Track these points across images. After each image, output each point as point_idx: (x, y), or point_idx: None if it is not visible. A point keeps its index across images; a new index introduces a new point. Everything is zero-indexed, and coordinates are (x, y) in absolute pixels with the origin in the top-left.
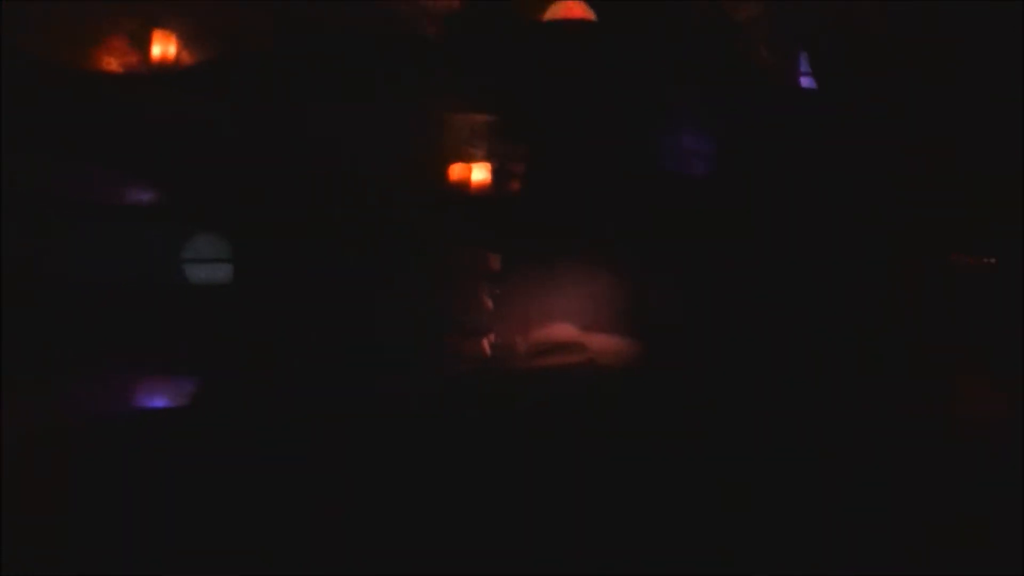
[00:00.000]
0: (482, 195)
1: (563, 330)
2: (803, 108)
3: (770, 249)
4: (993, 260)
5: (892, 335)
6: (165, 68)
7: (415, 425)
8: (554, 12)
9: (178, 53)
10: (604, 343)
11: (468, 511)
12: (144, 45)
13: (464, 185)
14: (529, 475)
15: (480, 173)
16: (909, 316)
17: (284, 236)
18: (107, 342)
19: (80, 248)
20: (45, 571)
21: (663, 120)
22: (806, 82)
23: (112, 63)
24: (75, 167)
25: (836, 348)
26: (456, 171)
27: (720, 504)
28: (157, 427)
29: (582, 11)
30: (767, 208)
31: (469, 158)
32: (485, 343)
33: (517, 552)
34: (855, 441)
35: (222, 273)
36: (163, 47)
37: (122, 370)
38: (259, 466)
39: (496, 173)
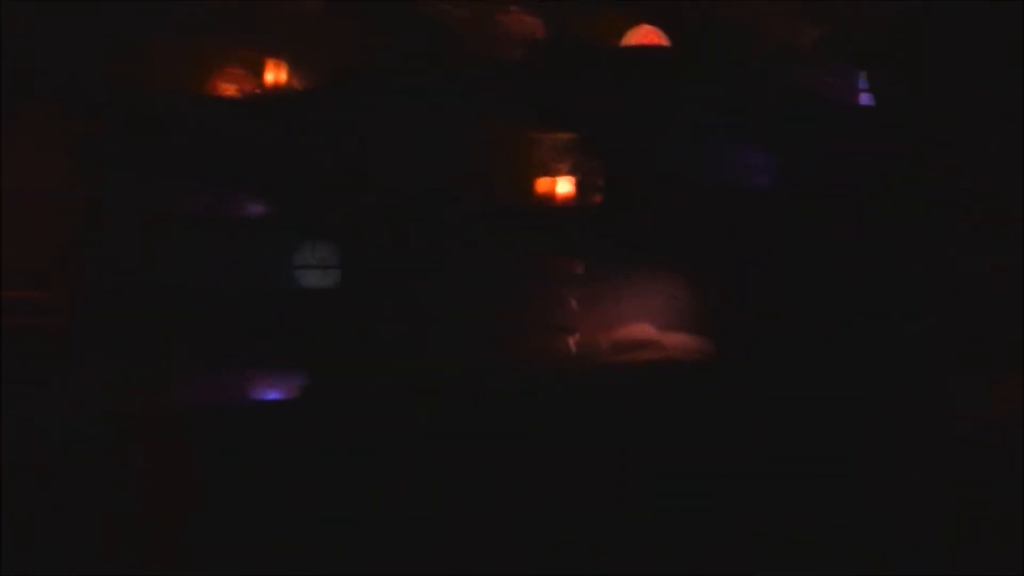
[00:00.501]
0: (567, 206)
1: (642, 329)
2: (861, 125)
3: (830, 257)
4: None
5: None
6: (276, 92)
7: (513, 416)
8: (630, 38)
9: (288, 79)
10: (679, 341)
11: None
12: (259, 72)
13: (550, 197)
14: (611, 465)
15: (564, 186)
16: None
17: (388, 244)
18: (227, 341)
19: (206, 258)
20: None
21: (730, 138)
22: (865, 99)
23: (230, 89)
24: (200, 186)
25: (898, 351)
26: (542, 184)
27: (785, 500)
28: (271, 417)
29: (657, 37)
30: (827, 219)
31: (554, 172)
32: (571, 341)
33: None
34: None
35: (330, 277)
36: (275, 74)
37: (240, 366)
38: (369, 457)
39: (579, 186)
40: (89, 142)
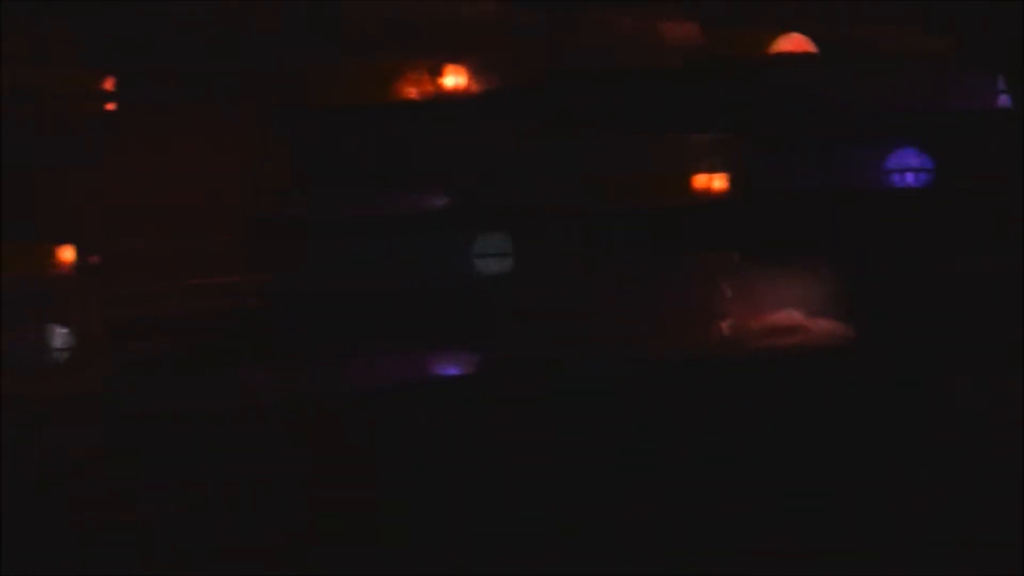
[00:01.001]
0: (721, 201)
1: (790, 316)
2: (1001, 128)
3: (974, 256)
4: None
5: None
6: (456, 96)
7: (672, 398)
8: (780, 45)
9: (467, 83)
10: (825, 327)
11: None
12: (438, 77)
13: (707, 192)
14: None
15: (719, 183)
16: None
17: (557, 236)
18: (411, 325)
19: (390, 249)
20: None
21: (881, 138)
22: (1003, 101)
23: (412, 93)
24: (386, 183)
25: None
26: (699, 181)
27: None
28: (450, 392)
29: (805, 44)
30: (970, 218)
31: (710, 170)
32: (724, 325)
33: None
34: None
35: (506, 265)
36: (455, 78)
37: (423, 346)
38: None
39: (733, 183)
40: (281, 139)
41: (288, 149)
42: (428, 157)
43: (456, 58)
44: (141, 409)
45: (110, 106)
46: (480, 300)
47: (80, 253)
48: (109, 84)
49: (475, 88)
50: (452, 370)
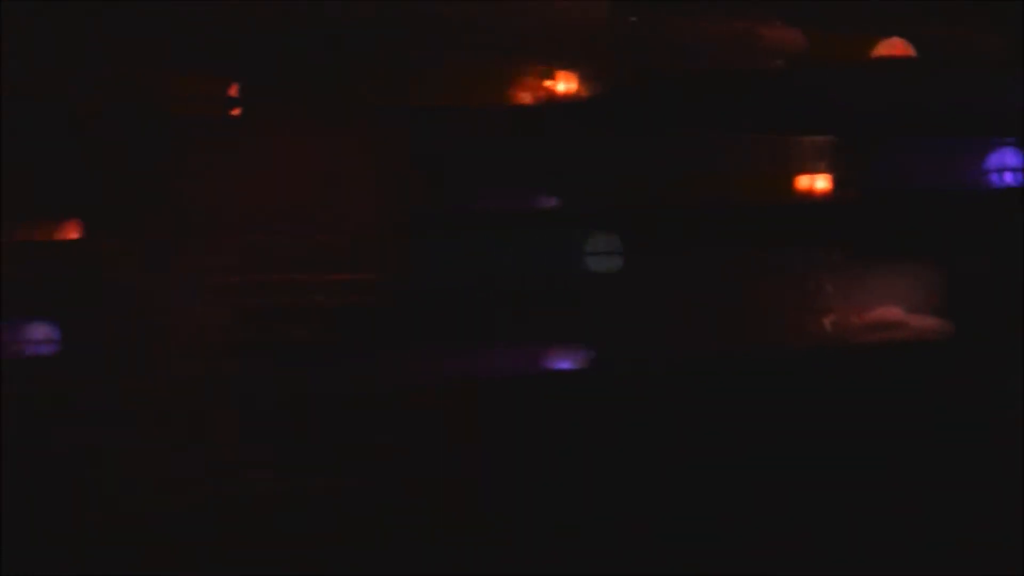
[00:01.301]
0: (825, 201)
1: (890, 312)
2: None
3: None
4: None
5: None
6: (567, 101)
7: (777, 392)
8: (880, 49)
9: (577, 88)
10: (924, 323)
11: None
12: (550, 80)
13: (809, 193)
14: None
15: (823, 183)
16: None
17: (666, 234)
18: (524, 319)
19: (508, 246)
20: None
21: (980, 139)
22: None
23: (526, 98)
24: (505, 184)
25: None
26: (803, 182)
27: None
28: (560, 387)
29: (904, 48)
30: None
31: (813, 171)
32: (827, 321)
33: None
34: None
35: (616, 263)
36: (566, 84)
37: (537, 340)
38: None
39: (836, 183)
40: (404, 139)
41: (410, 149)
42: (541, 158)
43: (566, 61)
44: (273, 397)
45: (238, 109)
46: (590, 297)
47: (213, 248)
48: (237, 87)
49: (585, 90)
50: (563, 365)
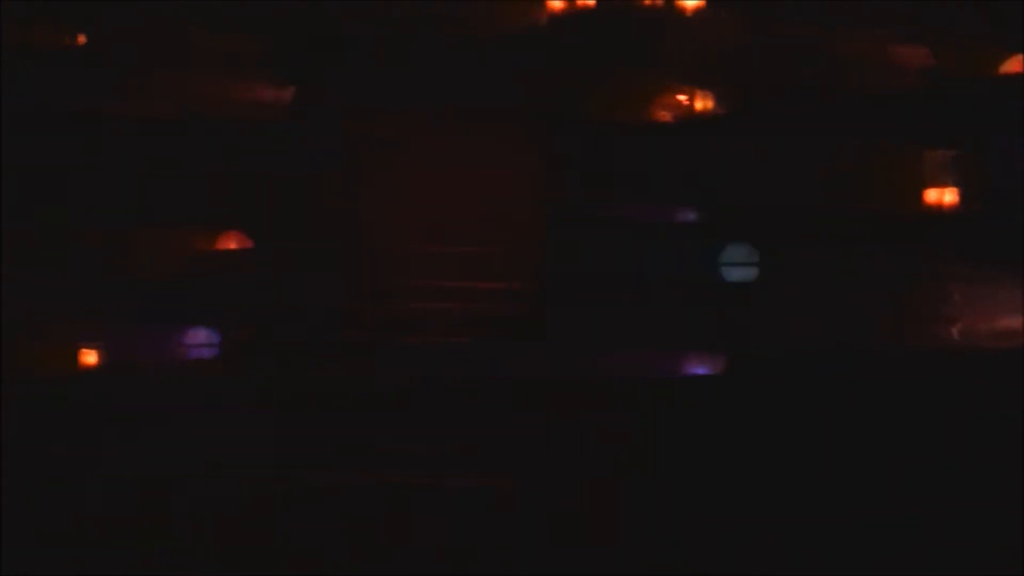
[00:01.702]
0: (952, 213)
1: (1015, 321)
2: None
3: None
4: None
5: None
6: (704, 118)
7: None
8: (1008, 67)
9: (714, 106)
10: None
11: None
12: (691, 97)
13: (938, 206)
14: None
15: (950, 196)
16: None
17: (801, 244)
18: (664, 326)
19: (649, 254)
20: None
21: None
22: None
23: (666, 116)
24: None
25: None
26: (931, 195)
27: None
28: (700, 390)
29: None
30: None
31: (941, 183)
32: (953, 329)
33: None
34: None
35: (751, 273)
36: (703, 102)
37: (675, 346)
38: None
39: (962, 196)
40: (550, 152)
41: (557, 162)
42: (684, 171)
43: (706, 79)
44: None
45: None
46: (728, 304)
47: (363, 253)
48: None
49: (724, 107)
50: (701, 370)
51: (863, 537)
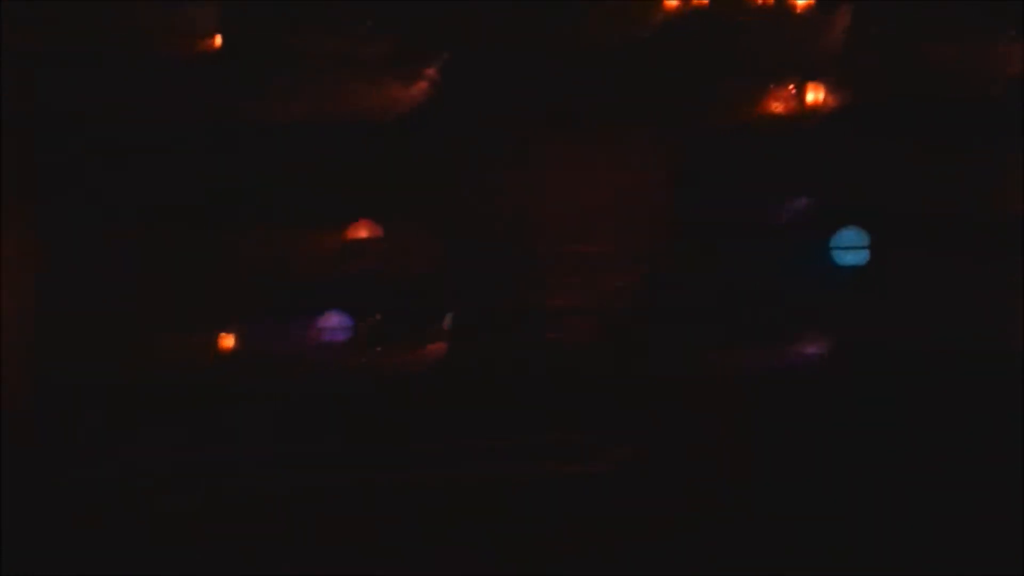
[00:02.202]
0: None
1: None
2: None
3: None
4: None
5: None
6: (815, 112)
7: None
8: None
9: (825, 99)
10: None
11: None
12: (802, 94)
13: None
14: None
15: None
16: None
17: (913, 238)
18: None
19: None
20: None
21: None
22: None
23: (778, 107)
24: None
25: None
26: None
27: None
28: (810, 374)
29: None
30: None
31: None
32: None
33: None
34: None
35: (863, 257)
36: (815, 95)
37: (788, 331)
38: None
39: None
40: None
41: (681, 162)
42: (796, 164)
43: (817, 77)
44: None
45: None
46: (839, 289)
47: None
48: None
49: (833, 103)
50: (812, 352)
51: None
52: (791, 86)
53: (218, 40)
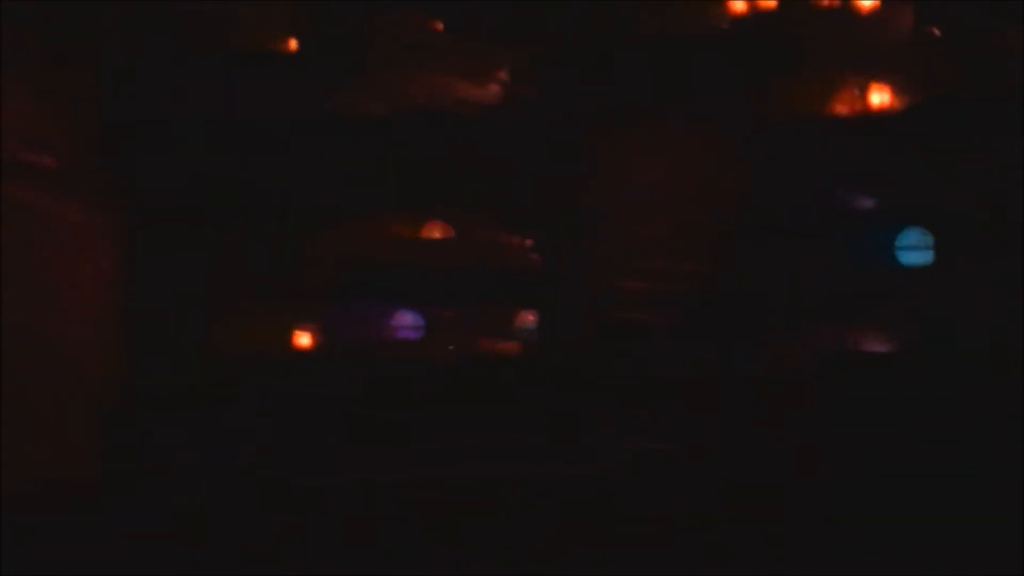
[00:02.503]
0: None
1: None
2: None
3: None
4: None
5: None
6: (880, 114)
7: None
8: None
9: (891, 101)
10: None
11: None
12: (865, 93)
13: None
14: None
15: None
16: None
17: (971, 232)
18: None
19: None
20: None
21: None
22: None
23: (843, 109)
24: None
25: None
26: None
27: None
28: (875, 370)
29: None
30: None
31: None
32: None
33: None
34: None
35: (926, 257)
36: (880, 96)
37: (852, 327)
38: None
39: None
40: (732, 149)
41: (739, 157)
42: (859, 162)
43: (882, 76)
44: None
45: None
46: (902, 287)
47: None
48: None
49: (897, 103)
50: (877, 348)
51: None
52: (856, 86)
53: (299, 38)
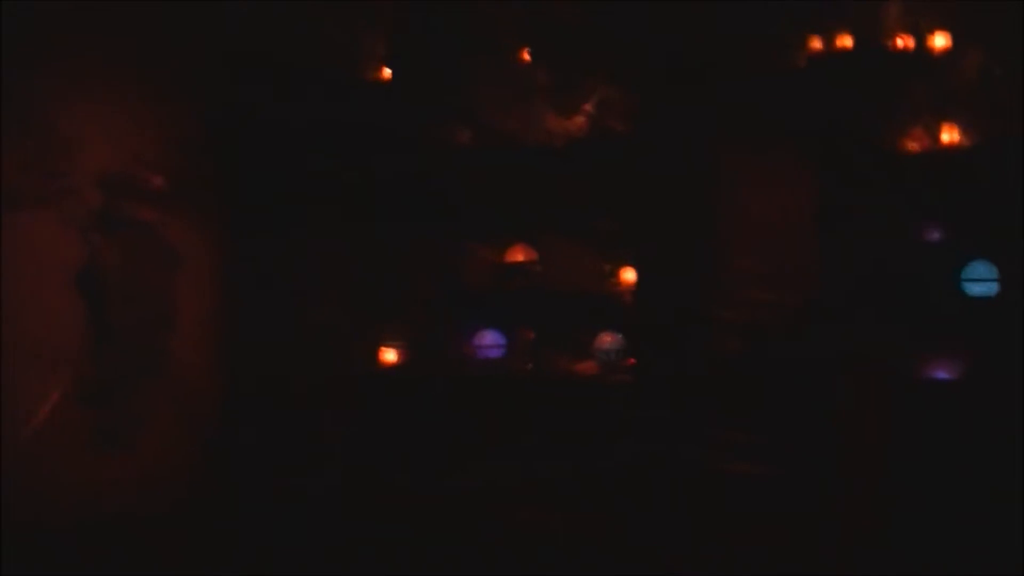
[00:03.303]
0: None
1: None
2: None
3: None
4: None
5: None
6: (952, 151)
7: None
8: None
9: (960, 136)
10: None
11: None
12: (937, 130)
13: None
14: None
15: None
16: None
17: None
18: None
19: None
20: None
21: None
22: None
23: (914, 145)
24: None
25: None
26: None
27: None
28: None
29: None
30: None
31: None
32: None
33: None
34: None
35: (992, 289)
36: (949, 134)
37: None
38: None
39: None
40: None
41: (824, 187)
42: (930, 197)
43: (953, 116)
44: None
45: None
46: (968, 318)
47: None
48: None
49: (966, 139)
50: (940, 374)
51: None
52: (927, 125)
53: (392, 67)
